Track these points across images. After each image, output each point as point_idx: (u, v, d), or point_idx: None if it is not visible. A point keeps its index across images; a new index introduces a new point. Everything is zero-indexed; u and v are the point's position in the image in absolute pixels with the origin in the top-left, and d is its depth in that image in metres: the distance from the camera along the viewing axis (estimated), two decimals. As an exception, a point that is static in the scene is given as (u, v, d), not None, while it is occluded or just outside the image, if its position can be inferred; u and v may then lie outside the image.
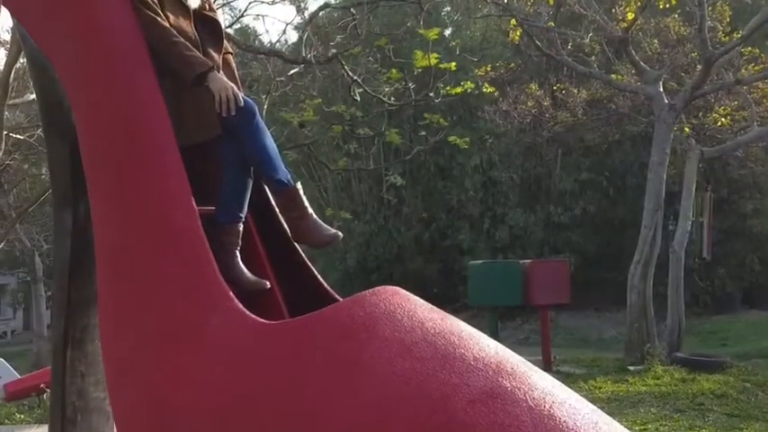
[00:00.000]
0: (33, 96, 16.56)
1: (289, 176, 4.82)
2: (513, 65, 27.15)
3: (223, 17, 5.33)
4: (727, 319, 30.13)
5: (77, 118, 5.09)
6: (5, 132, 18.15)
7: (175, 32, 4.79)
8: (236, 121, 4.75)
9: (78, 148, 5.05)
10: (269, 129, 5.03)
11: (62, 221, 6.45)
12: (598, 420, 3.46)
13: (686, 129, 23.09)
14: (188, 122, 4.78)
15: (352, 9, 17.11)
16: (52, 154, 6.59)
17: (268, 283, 4.90)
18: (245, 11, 23.00)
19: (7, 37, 18.11)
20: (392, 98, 19.61)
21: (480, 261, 23.15)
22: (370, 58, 22.76)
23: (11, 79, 17.03)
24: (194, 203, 4.41)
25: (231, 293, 4.13)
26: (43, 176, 28.12)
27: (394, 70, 18.75)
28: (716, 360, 18.11)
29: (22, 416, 13.64)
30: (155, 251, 4.42)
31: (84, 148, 4.95)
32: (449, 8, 35.70)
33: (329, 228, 4.84)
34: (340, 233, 4.87)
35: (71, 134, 5.47)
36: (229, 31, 17.77)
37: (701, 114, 24.66)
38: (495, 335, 18.54)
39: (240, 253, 4.87)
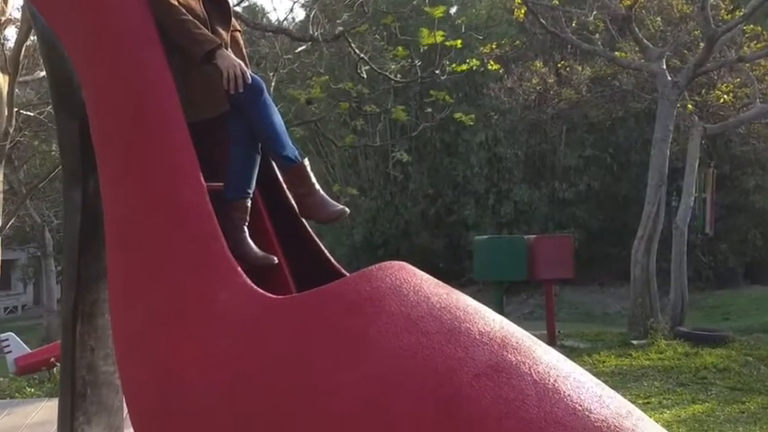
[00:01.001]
0: (43, 74, 16.57)
1: (296, 153, 4.81)
2: (517, 42, 27.04)
3: (231, -5, 5.33)
4: (730, 293, 30.14)
5: (87, 95, 5.08)
6: (16, 109, 18.15)
7: (184, 10, 4.77)
8: (243, 98, 4.74)
9: (88, 125, 5.04)
10: (276, 106, 5.02)
11: (72, 198, 6.44)
12: (602, 394, 3.46)
13: (689, 106, 23.03)
14: (196, 99, 4.77)
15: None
16: (62, 131, 6.57)
17: (276, 258, 4.90)
18: (253, -12, 22.97)
19: (18, 15, 18.06)
20: (398, 75, 19.58)
21: (485, 236, 23.15)
22: (377, 36, 22.73)
23: (21, 57, 17.03)
24: (203, 179, 4.40)
25: (239, 269, 4.13)
26: (53, 153, 28.12)
27: (400, 48, 18.75)
28: (718, 334, 18.10)
29: (33, 389, 13.67)
30: (163, 227, 4.41)
31: (94, 125, 4.95)
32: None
33: (336, 203, 4.84)
34: (347, 209, 4.86)
35: (81, 111, 5.45)
36: (237, 8, 17.76)
37: (703, 91, 24.61)
38: (500, 309, 18.55)
39: (248, 228, 4.87)
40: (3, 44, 17.10)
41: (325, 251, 5.07)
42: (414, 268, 4.03)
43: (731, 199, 31.08)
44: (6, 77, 16.89)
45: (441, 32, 16.86)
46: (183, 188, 4.38)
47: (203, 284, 4.16)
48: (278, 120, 4.84)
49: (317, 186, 4.80)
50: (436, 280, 4.02)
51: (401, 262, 4.06)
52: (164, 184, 4.46)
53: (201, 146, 4.61)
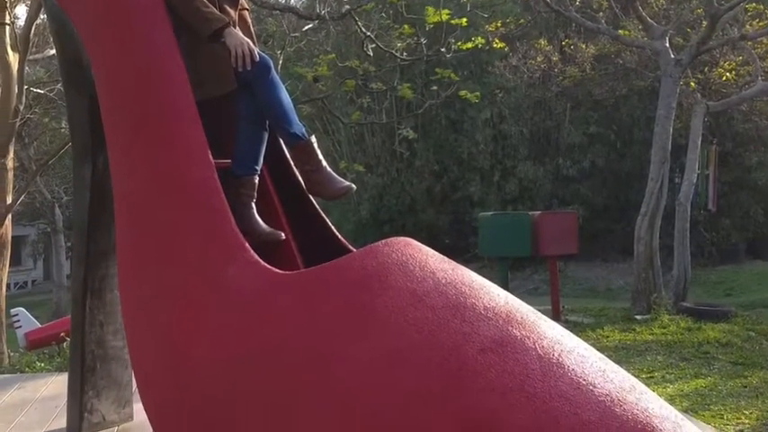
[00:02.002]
0: (53, 52, 16.57)
1: (303, 130, 4.81)
2: (522, 21, 26.97)
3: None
4: (732, 269, 30.14)
5: (96, 73, 5.09)
6: (26, 87, 18.16)
7: None
8: (251, 76, 4.74)
9: (97, 102, 5.05)
10: (284, 83, 5.02)
11: (81, 174, 6.45)
12: (606, 368, 3.45)
13: (692, 83, 23.01)
14: (204, 77, 4.78)
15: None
16: (72, 108, 6.58)
17: (283, 234, 4.91)
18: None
19: (28, -6, 18.05)
20: (404, 53, 19.57)
21: (490, 213, 23.11)
22: (383, 15, 22.68)
23: (31, 35, 17.04)
24: (211, 156, 4.40)
25: (247, 244, 4.13)
26: (63, 130, 28.16)
27: (406, 26, 18.73)
28: (721, 309, 18.09)
29: (43, 364, 13.68)
30: (172, 203, 4.41)
31: (103, 103, 4.96)
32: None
33: (343, 180, 4.83)
34: (353, 185, 4.87)
35: (90, 89, 5.46)
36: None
37: (706, 69, 24.58)
38: (505, 285, 18.55)
39: (255, 205, 4.87)
40: (13, 23, 17.10)
41: (332, 227, 5.07)
42: (419, 244, 4.03)
43: (733, 176, 31.07)
44: (16, 55, 16.91)
45: (446, 11, 16.86)
46: (192, 165, 4.38)
47: (211, 260, 4.17)
48: (285, 97, 4.84)
49: (324, 163, 4.81)
50: (442, 256, 4.02)
51: (407, 238, 4.06)
52: (172, 160, 4.47)
53: (210, 124, 4.61)
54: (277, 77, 4.87)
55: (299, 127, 4.80)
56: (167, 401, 4.32)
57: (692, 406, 10.20)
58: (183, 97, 4.52)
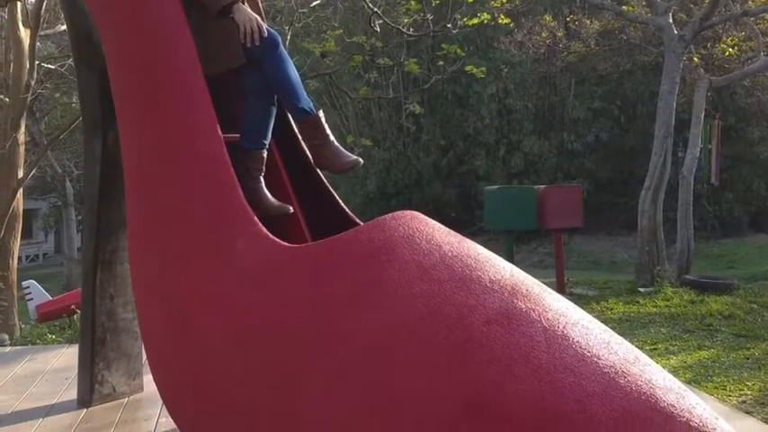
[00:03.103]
0: (64, 28, 16.55)
1: (311, 105, 4.81)
2: (528, -4, 26.93)
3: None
4: (735, 242, 30.14)
5: (106, 48, 5.08)
6: (37, 62, 18.15)
7: None
8: (259, 52, 4.73)
9: (107, 77, 5.04)
10: (292, 59, 5.01)
11: (92, 149, 6.46)
12: (610, 340, 3.45)
13: (695, 59, 22.94)
14: (213, 53, 4.77)
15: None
16: (82, 83, 6.58)
17: (291, 207, 4.91)
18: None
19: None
20: (411, 29, 19.52)
21: (496, 186, 23.08)
22: (390, -10, 22.64)
23: (42, 11, 17.01)
24: (219, 131, 4.40)
25: (255, 217, 4.13)
26: (74, 105, 28.15)
27: (413, 2, 18.68)
28: (724, 282, 18.06)
29: (53, 336, 13.71)
30: (180, 176, 4.41)
31: (113, 78, 4.95)
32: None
33: (350, 154, 4.83)
34: (360, 159, 4.86)
35: (100, 64, 5.47)
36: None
37: (709, 45, 24.53)
38: (510, 258, 18.56)
39: (264, 180, 4.87)
40: (24, -1, 17.10)
41: (340, 201, 5.07)
42: (426, 217, 4.03)
43: (736, 150, 31.01)
44: (28, 31, 16.91)
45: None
46: (201, 139, 4.38)
47: (220, 233, 4.17)
48: (293, 73, 4.83)
49: (332, 137, 4.80)
50: (448, 229, 4.01)
51: (413, 211, 4.06)
52: (181, 134, 4.46)
53: (220, 99, 4.61)
54: (285, 53, 4.86)
55: (306, 102, 4.79)
56: (177, 373, 4.33)
57: (695, 377, 10.20)
58: (192, 72, 4.52)
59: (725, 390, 9.69)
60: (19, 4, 16.79)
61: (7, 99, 17.67)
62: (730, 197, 31.85)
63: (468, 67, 20.22)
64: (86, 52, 6.26)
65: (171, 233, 4.38)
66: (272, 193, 4.86)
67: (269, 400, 3.73)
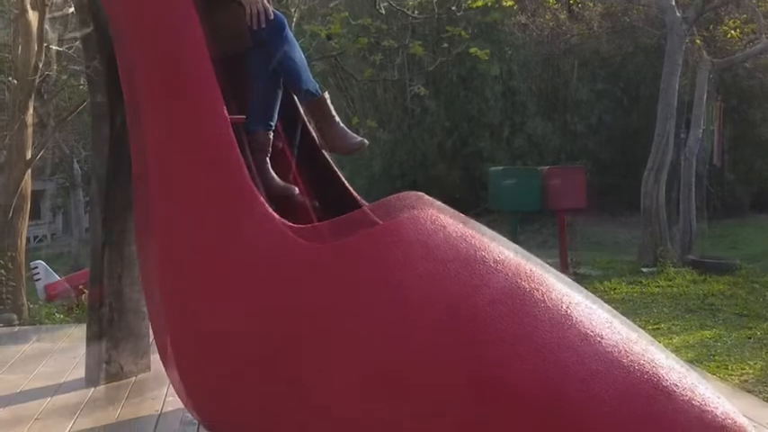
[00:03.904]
0: (72, 10, 16.55)
1: (317, 86, 4.81)
2: (531, -21, 26.89)
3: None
4: (737, 223, 30.04)
5: (114, 31, 5.09)
6: (45, 45, 18.16)
7: None
8: (266, 34, 4.74)
9: (115, 61, 5.05)
10: (298, 41, 5.01)
11: (100, 132, 6.46)
12: (612, 320, 3.47)
13: (697, 41, 22.91)
14: (220, 35, 4.77)
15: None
16: (90, 66, 6.58)
17: (297, 188, 4.91)
18: (274, -73, 22.74)
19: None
20: (416, 11, 19.50)
21: (500, 167, 23.06)
22: (395, -27, 22.60)
23: (51, -6, 17.03)
24: (226, 112, 4.40)
25: (262, 198, 4.13)
26: (81, 87, 28.11)
27: (418, -16, 18.65)
28: (726, 262, 18.08)
29: (61, 316, 13.73)
30: (187, 158, 4.42)
31: (120, 61, 4.96)
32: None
33: (355, 135, 4.84)
34: (366, 140, 4.86)
35: (108, 47, 5.47)
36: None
37: (711, 27, 24.48)
38: (514, 238, 18.56)
39: (271, 161, 4.87)
40: (33, -19, 17.10)
41: (346, 182, 5.07)
42: (431, 198, 4.04)
43: (738, 131, 30.90)
44: (36, 14, 16.91)
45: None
46: (207, 120, 4.38)
47: (226, 214, 4.18)
48: (299, 55, 4.84)
49: (337, 119, 4.81)
50: (452, 210, 4.02)
51: (418, 192, 4.07)
52: (187, 116, 4.47)
53: (227, 81, 4.61)
54: (291, 35, 4.86)
55: (312, 84, 4.80)
56: (184, 352, 4.34)
57: (697, 357, 10.22)
58: (199, 54, 4.51)
59: (727, 369, 9.71)
60: (27, -14, 16.81)
61: (15, 81, 17.67)
62: (732, 178, 31.77)
63: (472, 49, 20.19)
64: (94, 36, 6.27)
65: (178, 215, 4.39)
66: (278, 175, 4.87)
67: (279, 380, 3.74)
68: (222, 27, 4.80)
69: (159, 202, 4.52)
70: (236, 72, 4.95)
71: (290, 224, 3.99)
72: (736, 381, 9.20)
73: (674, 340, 11.11)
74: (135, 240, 5.32)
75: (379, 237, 3.71)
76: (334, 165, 5.14)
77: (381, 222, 3.76)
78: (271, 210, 4.07)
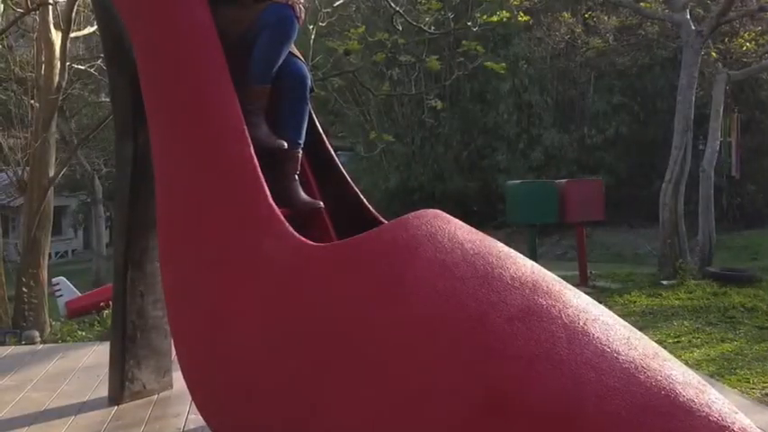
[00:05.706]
0: (93, 29, 16.67)
1: (266, 80, 4.82)
2: (545, -6, 26.94)
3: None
4: (757, 234, 29.94)
5: (136, 51, 5.13)
6: (68, 63, 18.29)
7: None
8: (271, 19, 4.78)
9: (138, 80, 5.09)
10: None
11: (123, 150, 6.50)
12: (630, 336, 3.47)
13: (713, 53, 22.91)
14: (228, 28, 4.84)
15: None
16: (113, 85, 6.63)
17: (321, 203, 4.95)
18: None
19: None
20: (432, 27, 19.58)
21: (518, 181, 23.09)
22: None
23: (73, 14, 17.17)
24: (247, 132, 4.43)
25: (282, 217, 4.17)
26: (102, 103, 28.28)
27: (434, 1, 18.71)
28: (746, 274, 18.04)
29: (83, 333, 13.81)
30: (210, 179, 4.46)
31: (143, 80, 5.00)
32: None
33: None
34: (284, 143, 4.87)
35: (131, 68, 5.52)
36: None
37: (726, 39, 24.51)
38: (533, 251, 18.63)
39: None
40: (56, 2, 17.24)
41: (362, 197, 5.11)
42: (448, 216, 4.06)
43: (756, 142, 30.88)
44: (59, 34, 17.06)
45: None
46: (229, 141, 4.42)
47: (247, 233, 4.21)
48: (277, 48, 4.84)
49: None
50: (470, 227, 4.04)
51: (436, 210, 4.09)
52: (209, 135, 4.52)
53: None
54: (288, 33, 4.86)
55: (263, 77, 4.82)
56: (206, 370, 4.37)
57: (719, 370, 10.21)
58: (220, 76, 4.55)
59: (748, 382, 9.69)
60: (50, 7, 16.95)
61: (37, 103, 17.81)
62: (752, 189, 31.71)
63: (487, 63, 20.27)
64: (117, 56, 6.32)
65: (200, 233, 4.42)
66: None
67: (297, 397, 3.77)
68: (230, 21, 4.85)
69: (182, 223, 4.56)
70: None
71: (310, 243, 4.02)
72: (758, 394, 9.19)
73: (695, 354, 11.10)
74: (158, 259, 5.35)
75: (397, 254, 3.73)
76: (348, 178, 5.18)
77: (400, 240, 3.78)
78: (291, 229, 4.10)
